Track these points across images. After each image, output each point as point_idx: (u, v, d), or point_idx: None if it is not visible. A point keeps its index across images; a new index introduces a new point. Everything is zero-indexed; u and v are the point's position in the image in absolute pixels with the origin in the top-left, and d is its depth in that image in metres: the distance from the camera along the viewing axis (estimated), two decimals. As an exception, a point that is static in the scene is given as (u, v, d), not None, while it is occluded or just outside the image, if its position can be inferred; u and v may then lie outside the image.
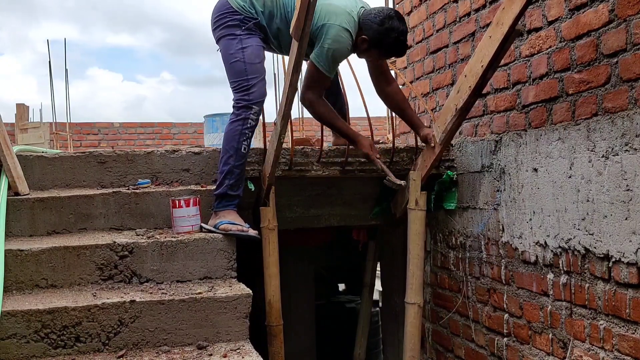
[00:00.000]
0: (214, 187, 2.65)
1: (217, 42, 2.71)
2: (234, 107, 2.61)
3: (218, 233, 2.45)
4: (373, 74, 2.91)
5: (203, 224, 2.54)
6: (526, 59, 2.55)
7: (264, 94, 2.62)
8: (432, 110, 3.35)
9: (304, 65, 2.66)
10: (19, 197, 2.51)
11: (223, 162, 2.59)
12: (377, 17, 2.63)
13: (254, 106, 2.58)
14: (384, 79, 2.92)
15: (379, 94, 2.97)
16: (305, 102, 2.72)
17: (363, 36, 2.63)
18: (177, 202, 2.51)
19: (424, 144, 2.92)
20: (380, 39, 2.63)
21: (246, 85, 2.57)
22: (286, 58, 2.50)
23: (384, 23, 2.62)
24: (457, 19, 3.12)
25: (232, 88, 2.63)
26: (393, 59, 3.54)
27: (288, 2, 2.61)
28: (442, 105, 3.22)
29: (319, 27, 2.54)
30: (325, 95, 3.03)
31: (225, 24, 2.62)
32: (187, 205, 2.51)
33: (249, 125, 2.57)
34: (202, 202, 2.60)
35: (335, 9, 2.58)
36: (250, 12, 2.62)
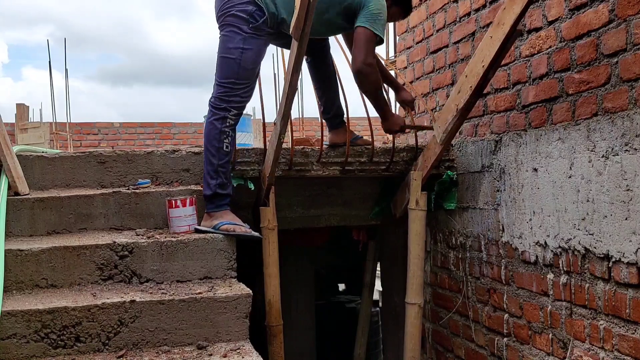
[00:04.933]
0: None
1: (220, 28, 2.55)
2: (212, 104, 2.52)
3: (218, 233, 2.44)
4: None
5: (197, 226, 2.50)
6: (526, 59, 2.55)
7: (245, 103, 2.55)
8: (432, 110, 3.35)
9: (303, 64, 2.64)
10: (19, 197, 2.51)
11: (206, 162, 2.53)
12: None
13: (232, 109, 2.51)
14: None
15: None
16: (366, 69, 2.59)
17: None
18: (173, 202, 2.50)
19: (423, 144, 2.91)
20: None
21: (231, 88, 2.49)
22: (286, 58, 2.50)
23: None
24: (457, 19, 3.12)
25: (216, 83, 2.52)
26: (393, 59, 3.55)
27: None
28: (442, 105, 3.21)
29: None
30: (322, 94, 3.02)
31: (234, 13, 2.49)
32: (184, 205, 2.50)
33: (227, 124, 2.50)
34: (199, 202, 2.58)
35: None
36: (265, 3, 2.49)
